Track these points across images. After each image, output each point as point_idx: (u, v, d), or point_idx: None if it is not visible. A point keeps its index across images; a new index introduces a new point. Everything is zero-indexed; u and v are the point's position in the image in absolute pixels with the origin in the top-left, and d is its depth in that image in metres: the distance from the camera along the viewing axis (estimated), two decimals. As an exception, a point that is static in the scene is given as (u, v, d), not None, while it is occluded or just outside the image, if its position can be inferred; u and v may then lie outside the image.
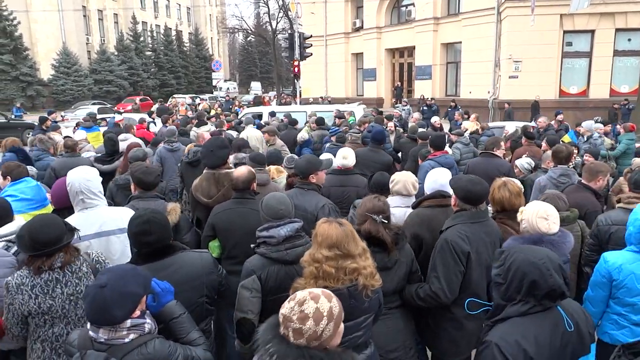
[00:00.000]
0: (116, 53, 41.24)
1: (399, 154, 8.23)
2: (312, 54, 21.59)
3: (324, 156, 5.31)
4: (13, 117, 20.76)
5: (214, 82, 35.35)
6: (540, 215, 2.94)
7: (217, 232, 3.65)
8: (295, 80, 21.94)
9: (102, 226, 3.10)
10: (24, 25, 34.70)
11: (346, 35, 31.33)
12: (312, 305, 1.71)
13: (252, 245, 2.95)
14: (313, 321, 1.68)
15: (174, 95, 34.17)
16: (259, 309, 2.75)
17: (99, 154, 6.75)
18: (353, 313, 2.36)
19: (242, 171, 3.72)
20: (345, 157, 4.79)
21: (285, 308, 1.74)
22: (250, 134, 9.47)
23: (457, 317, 3.02)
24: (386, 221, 2.85)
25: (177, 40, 51.24)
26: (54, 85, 35.62)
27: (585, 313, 2.23)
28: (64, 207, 3.34)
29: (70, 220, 3.01)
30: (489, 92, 21.64)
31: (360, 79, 31.76)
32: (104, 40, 43.23)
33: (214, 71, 34.86)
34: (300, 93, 22.21)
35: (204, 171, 4.27)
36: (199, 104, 24.22)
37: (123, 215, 3.15)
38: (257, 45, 67.72)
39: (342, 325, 1.80)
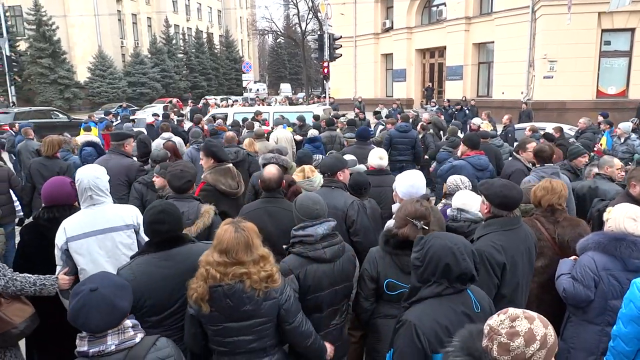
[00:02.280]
0: (149, 56, 42.16)
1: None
2: (341, 55, 21.57)
3: (346, 157, 5.27)
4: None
5: (244, 84, 35.77)
6: (629, 216, 2.94)
7: None
8: (325, 81, 21.96)
9: (109, 222, 3.20)
10: (62, 30, 35.86)
11: (376, 35, 31.17)
12: (525, 324, 1.56)
13: (284, 246, 2.96)
14: (524, 340, 1.53)
15: (206, 97, 34.68)
16: None
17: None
18: (231, 314, 2.38)
19: (273, 171, 3.76)
20: (382, 157, 4.80)
21: (494, 320, 1.61)
22: (280, 134, 9.55)
23: None
24: (427, 227, 2.76)
25: (208, 43, 52.02)
26: (90, 88, 36.67)
27: (490, 300, 2.36)
28: (54, 204, 3.42)
29: (77, 216, 3.18)
30: (522, 93, 21.15)
31: (389, 80, 31.53)
32: (137, 43, 44.25)
33: (244, 73, 35.28)
34: (329, 94, 22.22)
35: (216, 167, 4.41)
36: (232, 105, 24.44)
37: (129, 212, 3.32)
38: (286, 47, 68.12)
39: None
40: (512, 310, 1.62)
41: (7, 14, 32.14)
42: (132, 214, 3.30)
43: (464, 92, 24.92)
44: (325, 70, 20.30)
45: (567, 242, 3.35)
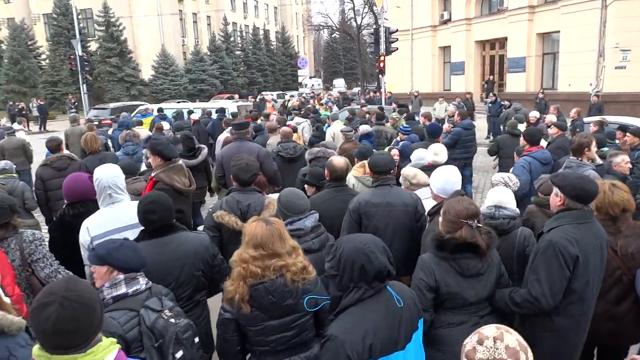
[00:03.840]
0: (209, 53, 43.35)
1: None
2: (397, 49, 21.27)
3: (418, 153, 5.13)
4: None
5: (300, 79, 36.13)
6: None
7: (321, 220, 3.74)
8: (380, 76, 21.75)
9: (130, 219, 3.22)
10: (128, 30, 37.61)
11: (433, 28, 30.48)
12: (512, 340, 1.50)
13: None
14: (524, 354, 1.48)
15: (262, 93, 35.27)
16: None
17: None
18: (273, 311, 2.40)
19: (342, 161, 3.96)
20: (437, 153, 4.70)
21: (482, 352, 1.49)
22: (337, 129, 9.53)
23: (558, 327, 2.77)
24: (480, 225, 2.66)
25: (264, 39, 52.78)
26: (153, 85, 38.26)
27: (412, 292, 2.35)
28: (77, 200, 3.57)
29: (98, 215, 3.29)
30: (590, 85, 19.99)
31: (447, 73, 30.78)
32: (198, 41, 45.64)
33: (299, 68, 35.62)
34: (384, 89, 21.99)
35: (168, 165, 4.30)
36: (288, 100, 24.71)
37: None
38: (341, 42, 67.97)
39: None
40: (488, 331, 1.52)
41: (80, 16, 34.04)
42: None
43: (527, 85, 23.90)
44: (381, 64, 20.09)
45: (632, 253, 3.10)
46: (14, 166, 6.37)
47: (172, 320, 2.16)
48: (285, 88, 47.89)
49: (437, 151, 4.69)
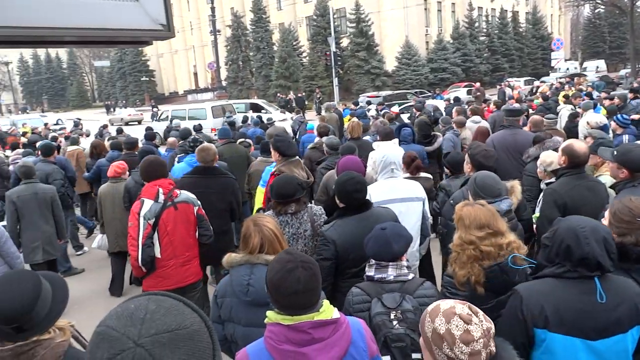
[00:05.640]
0: (451, 41, 42.77)
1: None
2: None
3: None
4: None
5: (553, 63, 32.66)
6: None
7: (566, 211, 3.55)
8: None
9: (404, 193, 3.78)
10: (376, 24, 39.94)
11: None
12: (479, 324, 1.53)
13: None
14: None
15: (508, 79, 33.11)
16: None
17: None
18: (506, 287, 2.34)
19: (583, 147, 3.74)
20: None
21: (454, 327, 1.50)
22: (592, 119, 8.49)
23: None
24: None
25: (512, 22, 49.39)
26: (396, 76, 39.84)
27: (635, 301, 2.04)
28: None
29: (380, 184, 3.84)
30: None
31: None
32: (441, 30, 45.44)
33: (553, 50, 32.22)
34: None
35: (287, 159, 4.44)
36: (538, 87, 22.59)
37: (418, 186, 3.94)
38: (607, 17, 58.59)
39: None
40: (460, 309, 1.54)
41: (335, 15, 37.70)
42: (420, 189, 3.90)
43: None
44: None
45: None
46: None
47: (393, 323, 2.19)
48: (533, 74, 43.94)
49: None
